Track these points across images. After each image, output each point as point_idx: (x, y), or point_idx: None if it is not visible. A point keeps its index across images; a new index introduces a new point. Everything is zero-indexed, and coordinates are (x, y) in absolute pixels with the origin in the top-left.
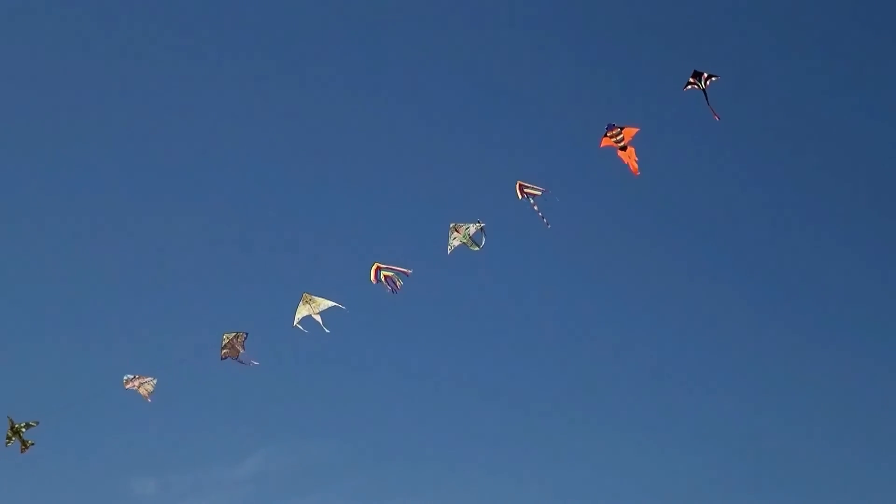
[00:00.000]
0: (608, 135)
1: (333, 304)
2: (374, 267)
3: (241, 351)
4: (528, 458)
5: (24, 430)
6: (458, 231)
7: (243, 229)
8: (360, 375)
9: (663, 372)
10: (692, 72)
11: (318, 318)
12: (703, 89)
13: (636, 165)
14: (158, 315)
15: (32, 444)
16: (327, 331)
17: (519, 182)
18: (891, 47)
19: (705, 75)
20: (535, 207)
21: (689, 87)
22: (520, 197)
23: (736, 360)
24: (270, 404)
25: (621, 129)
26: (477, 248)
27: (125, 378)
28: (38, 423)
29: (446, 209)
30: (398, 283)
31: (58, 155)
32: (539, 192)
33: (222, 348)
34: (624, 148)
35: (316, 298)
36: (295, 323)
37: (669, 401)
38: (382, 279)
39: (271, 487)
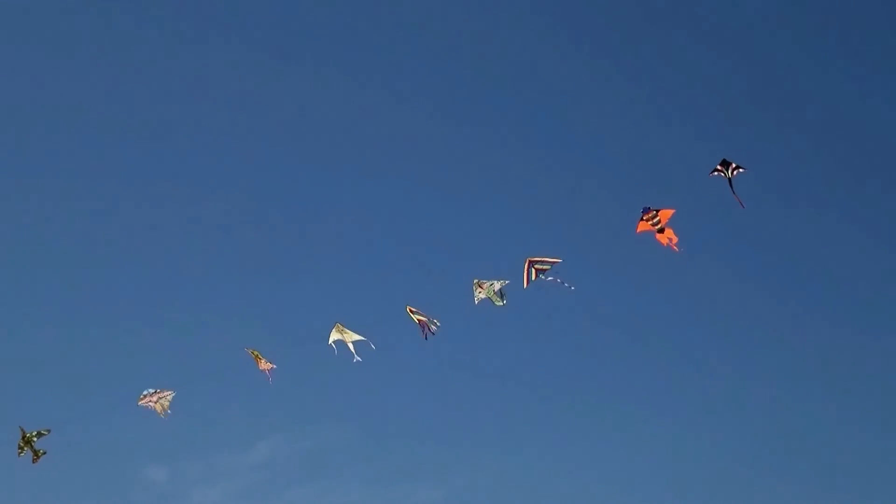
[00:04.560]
0: (644, 219)
1: (363, 338)
2: (408, 309)
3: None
4: (538, 442)
5: (35, 439)
6: (481, 287)
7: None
8: (370, 361)
9: (679, 360)
10: (721, 160)
11: (350, 345)
12: (729, 178)
13: (675, 245)
14: (168, 306)
15: (44, 453)
16: (359, 359)
17: (528, 259)
18: None
19: (733, 165)
20: (550, 279)
21: (716, 173)
22: (525, 284)
23: (755, 345)
24: (280, 390)
25: (657, 211)
26: (502, 304)
27: (142, 394)
28: (49, 431)
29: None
30: (431, 328)
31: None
32: (549, 266)
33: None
34: (661, 230)
35: (347, 330)
36: (329, 342)
37: (687, 387)
38: (416, 321)
39: (281, 473)
